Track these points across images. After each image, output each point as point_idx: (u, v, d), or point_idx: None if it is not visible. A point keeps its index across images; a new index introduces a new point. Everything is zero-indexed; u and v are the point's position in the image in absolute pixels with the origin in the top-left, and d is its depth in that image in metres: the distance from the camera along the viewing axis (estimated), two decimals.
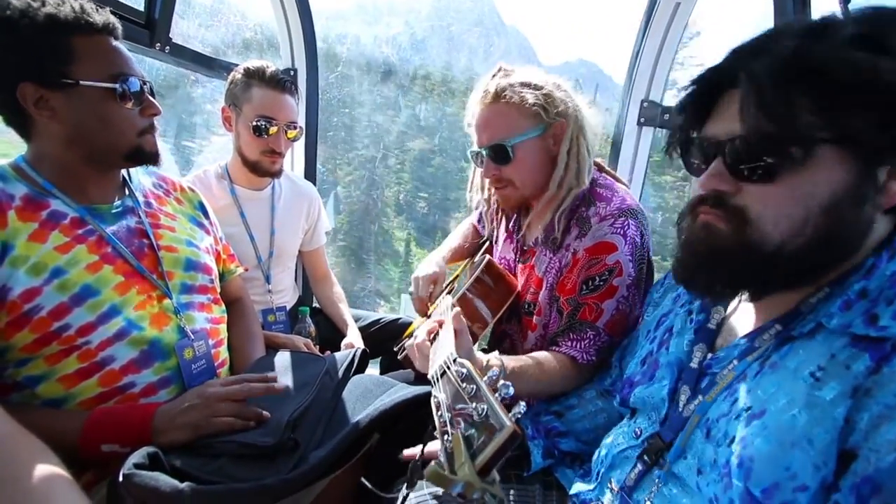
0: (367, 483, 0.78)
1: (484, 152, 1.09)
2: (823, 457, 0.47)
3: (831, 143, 0.51)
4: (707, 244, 0.60)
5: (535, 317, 1.12)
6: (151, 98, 0.95)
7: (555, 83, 1.08)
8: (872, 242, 0.55)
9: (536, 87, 1.04)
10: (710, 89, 0.61)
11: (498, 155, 1.07)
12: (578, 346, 1.01)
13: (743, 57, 0.57)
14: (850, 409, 0.47)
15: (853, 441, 0.46)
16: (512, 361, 0.96)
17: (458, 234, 1.52)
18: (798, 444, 0.49)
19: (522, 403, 0.51)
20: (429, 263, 1.33)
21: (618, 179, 1.18)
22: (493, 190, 1.25)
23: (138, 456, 0.74)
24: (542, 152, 1.08)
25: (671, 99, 1.64)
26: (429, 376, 0.72)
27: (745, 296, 0.64)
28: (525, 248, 1.21)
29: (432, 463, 0.48)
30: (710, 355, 0.67)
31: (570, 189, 1.07)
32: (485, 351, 1.34)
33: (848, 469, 0.46)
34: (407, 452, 0.89)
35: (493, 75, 1.09)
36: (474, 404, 0.52)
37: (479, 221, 1.47)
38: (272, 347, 1.31)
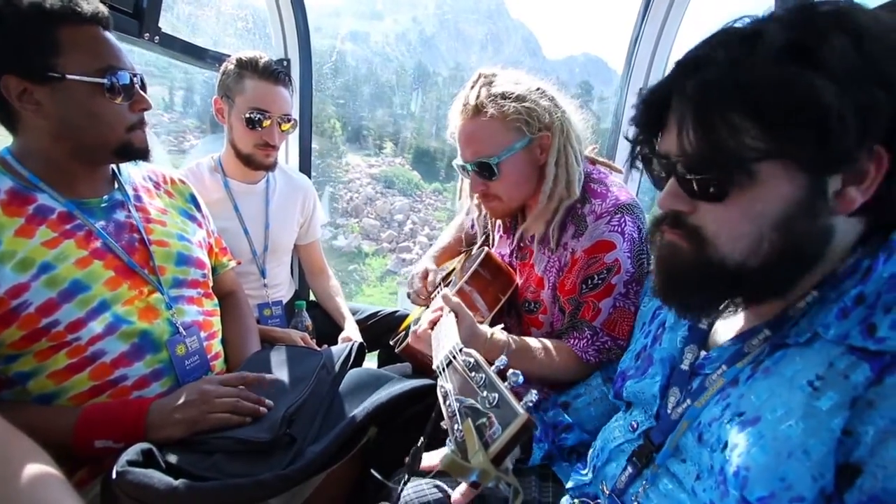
0: (376, 474, 0.78)
1: (469, 167, 1.06)
2: (820, 468, 0.46)
3: (774, 160, 0.50)
4: (672, 263, 0.60)
5: (540, 315, 1.12)
6: (142, 92, 0.92)
7: (539, 91, 1.03)
8: (843, 245, 0.53)
9: (518, 99, 0.99)
10: (656, 105, 0.59)
11: (483, 171, 1.04)
12: (579, 344, 1.01)
13: (678, 75, 0.55)
14: (848, 420, 0.46)
15: (858, 455, 0.45)
16: (519, 339, 0.96)
17: (449, 231, 1.52)
18: (794, 455, 0.47)
19: (534, 391, 0.50)
20: (421, 261, 1.39)
21: (612, 168, 1.16)
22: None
23: (132, 453, 0.73)
24: (529, 165, 1.05)
25: None
26: (434, 366, 0.71)
27: (730, 309, 0.62)
28: (522, 244, 1.19)
29: (447, 451, 0.48)
30: (702, 354, 0.66)
31: (561, 200, 1.04)
32: None
33: (853, 484, 0.44)
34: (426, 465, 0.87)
35: (473, 84, 1.04)
36: (485, 393, 0.52)
37: (471, 227, 1.46)
38: (269, 342, 1.30)
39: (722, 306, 0.61)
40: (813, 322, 0.53)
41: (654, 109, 0.59)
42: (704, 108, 0.51)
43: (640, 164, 0.66)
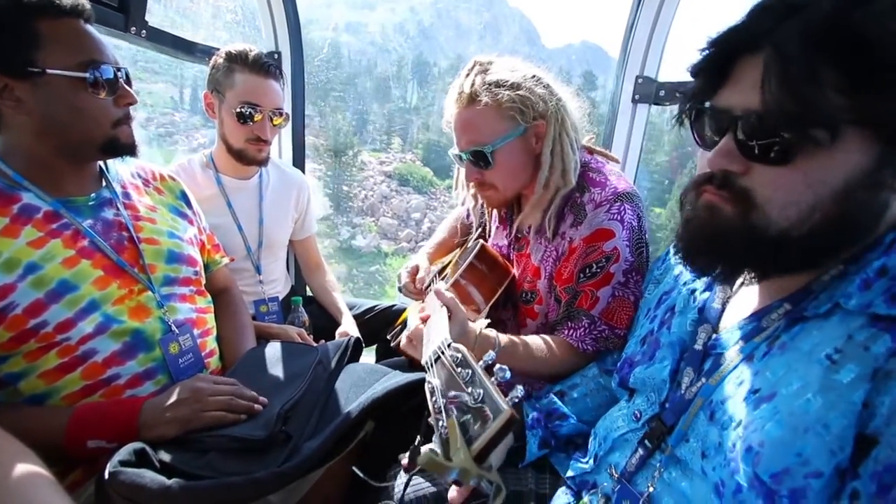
0: (358, 472, 0.77)
1: (464, 156, 1.05)
2: (840, 442, 0.45)
3: (855, 125, 0.46)
4: (709, 226, 0.56)
5: (535, 305, 1.11)
6: (127, 86, 0.91)
7: (535, 78, 1.02)
8: (891, 219, 0.51)
9: (513, 87, 0.98)
10: (727, 52, 0.54)
11: (478, 159, 1.03)
12: (575, 334, 1.00)
13: (767, 20, 0.50)
14: (868, 392, 0.45)
15: (874, 427, 0.44)
16: (508, 336, 0.96)
17: (444, 227, 1.51)
18: (812, 430, 0.47)
19: (520, 388, 0.49)
20: (415, 257, 1.37)
21: (609, 157, 1.15)
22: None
23: (124, 453, 0.72)
24: (524, 153, 1.04)
25: (666, 74, 1.59)
26: (422, 362, 0.70)
27: (750, 276, 0.60)
28: (519, 235, 1.18)
29: (426, 449, 0.47)
30: (714, 335, 0.65)
31: (558, 189, 1.03)
32: None
33: (868, 455, 0.44)
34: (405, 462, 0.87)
35: (468, 73, 1.03)
36: (470, 389, 0.51)
37: (467, 217, 1.45)
38: (265, 338, 1.29)
39: (741, 275, 0.58)
40: (833, 294, 0.52)
41: (723, 55, 0.54)
42: (798, 59, 0.47)
43: (687, 121, 0.61)
